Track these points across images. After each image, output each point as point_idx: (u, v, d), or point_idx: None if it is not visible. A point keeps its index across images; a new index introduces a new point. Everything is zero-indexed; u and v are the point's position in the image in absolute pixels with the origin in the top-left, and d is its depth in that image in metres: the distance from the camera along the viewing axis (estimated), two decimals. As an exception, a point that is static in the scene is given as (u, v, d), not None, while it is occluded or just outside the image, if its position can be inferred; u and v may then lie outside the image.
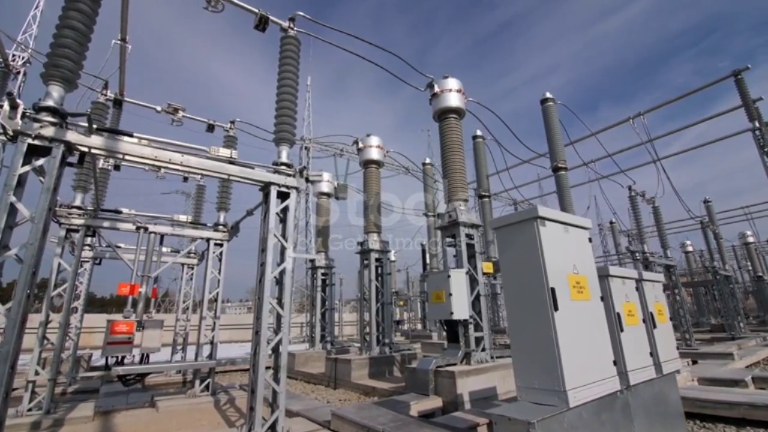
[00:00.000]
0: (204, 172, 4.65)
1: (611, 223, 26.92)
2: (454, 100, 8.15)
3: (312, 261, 12.78)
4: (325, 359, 9.47)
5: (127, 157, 4.31)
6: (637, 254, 12.05)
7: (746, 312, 23.57)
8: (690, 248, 24.38)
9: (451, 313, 6.43)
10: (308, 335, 12.25)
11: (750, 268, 26.49)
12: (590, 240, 3.54)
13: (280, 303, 4.71)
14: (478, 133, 13.93)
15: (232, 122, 8.63)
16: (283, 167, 5.12)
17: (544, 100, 12.21)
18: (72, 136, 3.89)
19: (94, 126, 4.38)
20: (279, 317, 4.66)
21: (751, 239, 21.51)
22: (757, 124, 12.27)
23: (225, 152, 5.10)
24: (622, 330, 3.52)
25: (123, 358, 6.92)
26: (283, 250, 4.91)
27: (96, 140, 4.04)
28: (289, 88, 5.52)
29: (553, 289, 2.90)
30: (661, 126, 31.02)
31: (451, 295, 6.50)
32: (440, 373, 6.02)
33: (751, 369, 8.47)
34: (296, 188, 5.13)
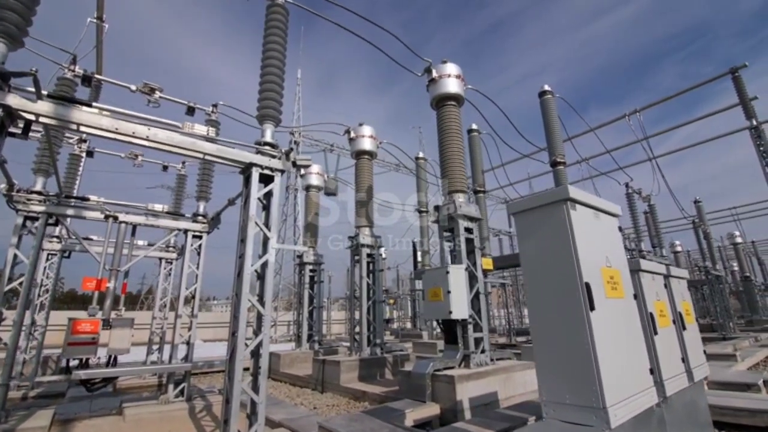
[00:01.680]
0: (174, 150, 4.05)
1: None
2: (453, 86, 7.66)
3: (300, 257, 12.18)
4: (312, 360, 8.91)
5: (83, 129, 3.71)
6: (633, 252, 11.77)
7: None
8: (679, 248, 24.44)
9: (450, 312, 5.94)
10: (295, 334, 11.67)
11: (735, 268, 26.79)
12: (620, 229, 3.07)
13: (261, 300, 4.14)
14: (474, 126, 13.48)
15: (215, 105, 7.96)
16: (267, 147, 4.55)
17: (542, 93, 11.80)
18: (13, 100, 3.29)
19: (44, 92, 3.77)
20: (260, 316, 4.09)
21: (739, 240, 21.61)
22: (754, 123, 12.10)
23: (201, 129, 4.51)
24: (656, 333, 3.07)
25: (87, 360, 6.26)
26: (265, 240, 4.34)
27: (43, 106, 3.44)
28: (275, 60, 4.94)
29: (588, 285, 2.42)
30: (650, 128, 31.56)
31: (449, 292, 6.02)
32: (438, 378, 5.53)
33: (755, 370, 8.23)
34: (281, 171, 4.56)
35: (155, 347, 9.81)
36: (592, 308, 2.37)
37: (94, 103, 3.98)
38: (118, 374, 6.15)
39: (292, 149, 4.76)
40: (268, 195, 4.53)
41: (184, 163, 11.09)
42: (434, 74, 7.77)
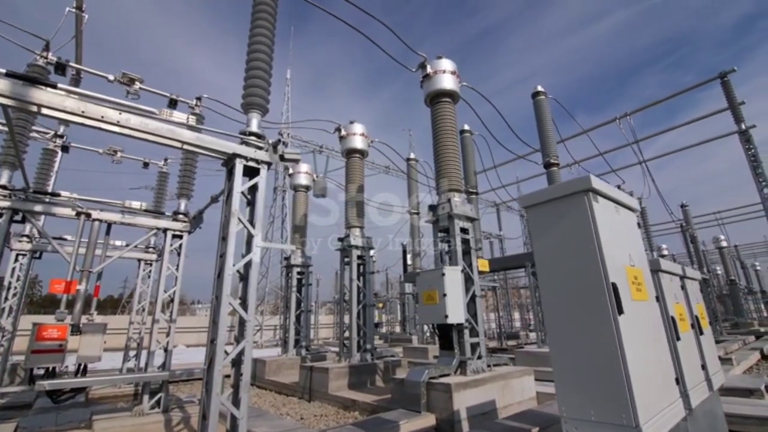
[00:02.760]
0: (149, 138, 3.67)
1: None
2: (448, 82, 7.41)
3: (287, 259, 11.76)
4: (299, 367, 8.50)
5: (45, 111, 3.32)
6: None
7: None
8: (666, 252, 24.70)
9: (446, 317, 5.64)
10: (281, 339, 11.23)
11: (719, 272, 27.21)
12: (639, 225, 2.82)
13: (243, 303, 3.78)
14: (466, 127, 13.29)
15: (199, 98, 7.54)
16: (253, 138, 4.20)
17: (535, 94, 11.69)
18: (-40, 74, 2.89)
19: (2, 70, 3.39)
20: (242, 321, 3.73)
21: (724, 243, 21.91)
22: (743, 126, 12.17)
23: (180, 116, 4.15)
24: (678, 338, 2.81)
25: (54, 369, 5.77)
26: (249, 238, 3.98)
27: (-2, 84, 3.04)
28: (263, 45, 4.61)
29: (614, 285, 2.14)
30: (637, 133, 32.00)
31: (445, 295, 5.72)
32: (433, 386, 5.21)
33: (750, 374, 8.14)
34: (268, 164, 4.22)
35: (132, 354, 9.31)
36: (621, 311, 2.09)
37: (60, 85, 3.60)
38: (87, 384, 5.68)
39: (280, 141, 4.42)
40: (253, 189, 4.18)
41: (166, 160, 10.62)
42: (429, 70, 7.51)
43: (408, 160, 15.13)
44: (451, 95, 7.50)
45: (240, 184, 3.93)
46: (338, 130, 9.94)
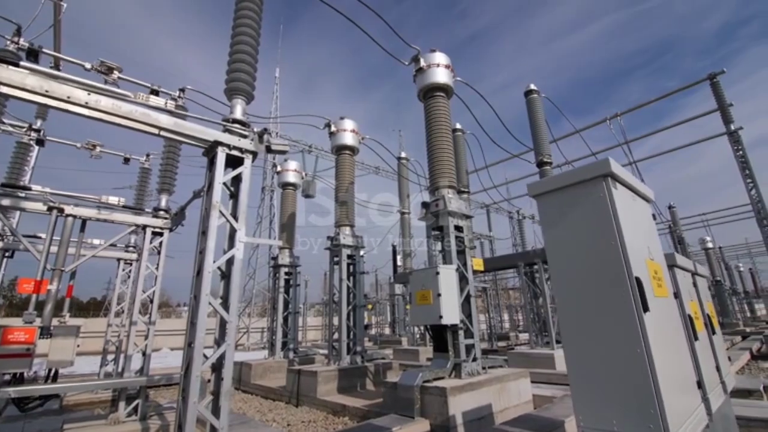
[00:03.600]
0: (122, 122, 3.36)
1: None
2: (441, 75, 7.20)
3: (274, 258, 11.41)
4: (286, 370, 8.18)
5: (3, 90, 3.00)
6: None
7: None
8: (653, 253, 24.88)
9: (440, 317, 5.41)
10: (268, 342, 10.87)
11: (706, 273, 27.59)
12: (654, 217, 2.62)
13: (225, 304, 3.48)
14: (458, 126, 13.13)
15: (182, 90, 7.19)
16: (237, 125, 3.91)
17: (528, 92, 11.59)
18: None
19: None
20: (223, 323, 3.43)
21: (710, 245, 22.22)
22: (732, 127, 12.27)
23: (157, 100, 3.84)
24: (696, 338, 2.62)
25: (21, 375, 5.38)
26: (232, 233, 3.69)
27: (-55, 58, 2.70)
28: (248, 28, 4.32)
29: (638, 280, 1.92)
30: (615, 138, 32.26)
31: (440, 295, 5.49)
32: (428, 390, 4.96)
33: (742, 374, 8.09)
34: (253, 153, 3.93)
35: (111, 358, 8.86)
36: (646, 309, 1.87)
37: (23, 63, 3.28)
38: (56, 392, 5.28)
39: (266, 130, 4.14)
40: (237, 181, 3.89)
41: (148, 155, 10.19)
42: (422, 63, 7.29)
43: (399, 159, 14.91)
44: (445, 89, 7.29)
45: (222, 174, 3.63)
46: (328, 125, 9.66)
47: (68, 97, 3.13)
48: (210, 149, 3.76)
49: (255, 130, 4.03)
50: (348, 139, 9.45)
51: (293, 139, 26.84)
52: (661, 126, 15.76)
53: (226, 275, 3.60)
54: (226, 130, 3.84)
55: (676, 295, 2.52)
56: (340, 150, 9.56)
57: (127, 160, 10.38)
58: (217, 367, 3.38)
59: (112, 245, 9.08)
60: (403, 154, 15.14)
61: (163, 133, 3.57)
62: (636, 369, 1.83)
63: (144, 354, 6.20)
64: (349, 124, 9.56)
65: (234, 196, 3.89)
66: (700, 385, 2.36)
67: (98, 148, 10.06)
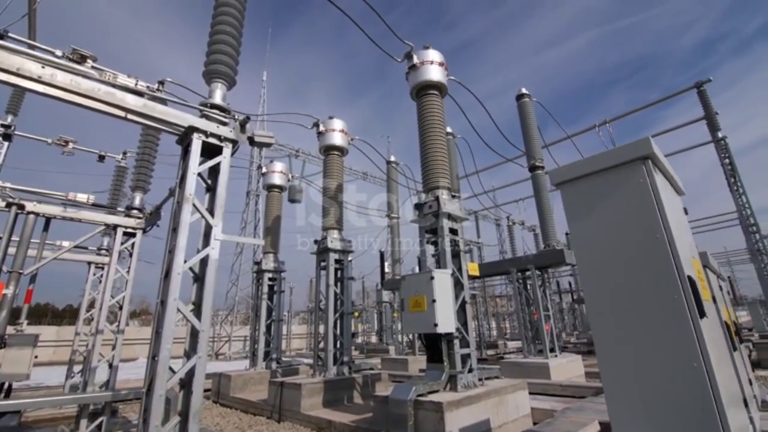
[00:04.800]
0: (83, 102, 2.94)
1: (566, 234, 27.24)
2: (435, 73, 6.93)
3: (258, 264, 10.90)
4: (268, 382, 7.68)
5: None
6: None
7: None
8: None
9: (435, 325, 5.05)
10: (250, 351, 10.31)
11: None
12: (686, 212, 2.34)
13: (197, 310, 3.05)
14: (449, 130, 12.91)
15: (161, 83, 6.76)
16: (215, 111, 3.52)
17: (519, 96, 11.47)
18: None
19: None
20: (195, 332, 3.00)
21: (693, 253, 22.47)
22: (719, 135, 12.37)
23: (127, 80, 3.41)
24: (735, 348, 2.32)
25: (-33, 390, 4.80)
26: (208, 230, 3.27)
27: None
28: (231, 8, 3.95)
29: (691, 281, 1.61)
30: (604, 145, 32.82)
31: (434, 301, 5.14)
32: (422, 405, 4.58)
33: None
34: (233, 142, 3.54)
35: (78, 369, 8.22)
36: (702, 314, 1.56)
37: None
38: (5, 409, 4.71)
39: (248, 118, 3.76)
40: (215, 172, 3.48)
41: (125, 153, 9.64)
42: (415, 60, 7.02)
43: (389, 162, 14.61)
44: (439, 87, 7.03)
45: (197, 163, 3.23)
46: (316, 125, 9.29)
47: (18, 69, 2.71)
48: (184, 136, 3.36)
49: (237, 117, 3.65)
50: (337, 139, 9.10)
51: (280, 142, 26.40)
52: (645, 135, 15.92)
53: (199, 277, 3.18)
54: (204, 116, 3.45)
55: (714, 299, 2.23)
56: (328, 150, 9.18)
57: (102, 158, 9.80)
58: (186, 383, 2.94)
59: (81, 247, 8.49)
60: (392, 158, 14.85)
61: (130, 116, 3.16)
62: (692, 384, 1.51)
63: (111, 366, 5.67)
64: (338, 124, 9.22)
65: (211, 189, 3.48)
66: (746, 402, 2.06)
67: (71, 145, 9.48)
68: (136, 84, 3.36)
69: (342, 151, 9.29)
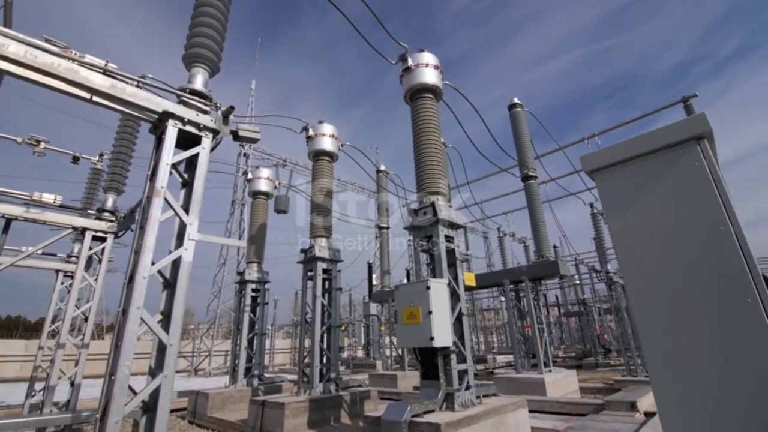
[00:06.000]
0: (39, 78, 2.56)
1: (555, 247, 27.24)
2: (430, 76, 6.73)
3: (240, 274, 10.39)
4: (249, 401, 7.14)
5: None
6: (601, 274, 11.37)
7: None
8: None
9: (431, 339, 4.69)
10: (230, 367, 9.72)
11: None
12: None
13: (165, 321, 2.65)
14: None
15: (143, 77, 6.38)
16: (195, 97, 3.17)
17: (511, 106, 11.40)
18: None
19: None
20: (162, 347, 2.59)
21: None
22: (706, 150, 12.50)
23: (95, 60, 3.04)
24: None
25: None
26: (182, 229, 2.89)
27: None
28: (216, -10, 3.64)
29: (767, 279, 1.32)
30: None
31: (431, 313, 4.79)
32: (418, 427, 4.19)
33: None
34: (213, 132, 3.18)
35: (38, 386, 7.54)
36: (788, 324, 1.26)
37: None
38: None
39: (232, 108, 3.42)
40: (192, 165, 3.11)
41: (101, 155, 9.13)
42: (410, 63, 6.81)
43: (378, 171, 14.34)
44: (434, 91, 6.82)
45: (170, 153, 2.86)
46: (305, 129, 8.97)
47: (-44, 37, 2.33)
48: (158, 123, 2.99)
49: (219, 105, 3.30)
50: (327, 144, 8.79)
51: (267, 152, 26.01)
52: None
53: (170, 283, 2.78)
54: (181, 102, 3.09)
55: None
56: (317, 155, 8.86)
57: (76, 159, 9.24)
58: (150, 407, 2.52)
59: (49, 254, 7.90)
60: (382, 167, 14.59)
61: (96, 98, 2.79)
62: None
63: (72, 384, 5.12)
64: (328, 128, 8.92)
65: (187, 184, 3.11)
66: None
67: (42, 144, 8.89)
68: (106, 64, 2.99)
69: (332, 156, 8.98)
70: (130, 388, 2.39)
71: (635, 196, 1.63)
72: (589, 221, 12.91)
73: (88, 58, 2.96)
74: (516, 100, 11.33)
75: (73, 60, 2.68)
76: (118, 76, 2.93)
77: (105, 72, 2.88)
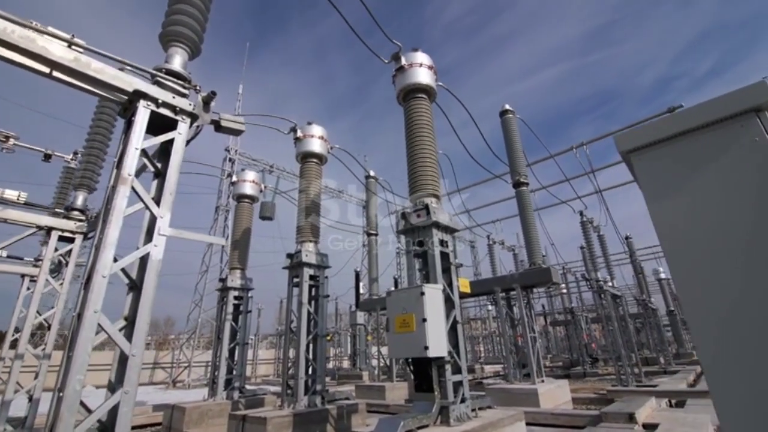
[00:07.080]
0: (-15, 48, 2.23)
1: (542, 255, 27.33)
2: (424, 76, 6.54)
3: (222, 281, 9.92)
4: (228, 416, 6.69)
5: None
6: (591, 282, 11.29)
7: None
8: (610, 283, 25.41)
9: (426, 348, 4.40)
10: (210, 379, 9.20)
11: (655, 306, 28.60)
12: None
13: (129, 329, 2.30)
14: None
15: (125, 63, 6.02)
16: (171, 78, 2.87)
17: (503, 112, 11.33)
18: None
19: None
20: (123, 359, 2.24)
21: (663, 275, 22.96)
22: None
23: (60, 32, 2.71)
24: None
25: None
26: (152, 223, 2.56)
27: None
28: (199, -32, 3.36)
29: None
30: (573, 169, 34.24)
31: (425, 320, 4.50)
32: (412, 444, 3.87)
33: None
34: (191, 116, 2.87)
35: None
36: None
37: None
38: None
39: (214, 94, 3.12)
40: (166, 153, 2.79)
41: (75, 153, 8.65)
42: (403, 62, 6.62)
43: (368, 177, 14.09)
44: (427, 91, 6.63)
45: (141, 137, 2.54)
46: (294, 130, 8.68)
47: None
48: (129, 104, 2.67)
49: (199, 88, 3.00)
50: (315, 146, 8.50)
51: (253, 158, 25.58)
52: (608, 163, 16.58)
53: (135, 285, 2.44)
54: (156, 82, 2.78)
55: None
56: (305, 158, 8.56)
57: (48, 157, 8.74)
58: (108, 427, 2.16)
59: (14, 257, 7.37)
60: (371, 173, 14.36)
61: (56, 73, 2.46)
62: None
63: (31, 399, 4.64)
64: (317, 130, 8.65)
65: (160, 174, 2.78)
66: None
67: (12, 140, 8.40)
68: (72, 37, 2.66)
69: (320, 158, 8.69)
70: (83, 405, 2.04)
71: (684, 178, 1.40)
72: (575, 230, 12.89)
73: (52, 30, 2.64)
74: (507, 107, 11.27)
75: (28, 26, 2.36)
76: (85, 52, 2.61)
77: (70, 45, 2.56)
